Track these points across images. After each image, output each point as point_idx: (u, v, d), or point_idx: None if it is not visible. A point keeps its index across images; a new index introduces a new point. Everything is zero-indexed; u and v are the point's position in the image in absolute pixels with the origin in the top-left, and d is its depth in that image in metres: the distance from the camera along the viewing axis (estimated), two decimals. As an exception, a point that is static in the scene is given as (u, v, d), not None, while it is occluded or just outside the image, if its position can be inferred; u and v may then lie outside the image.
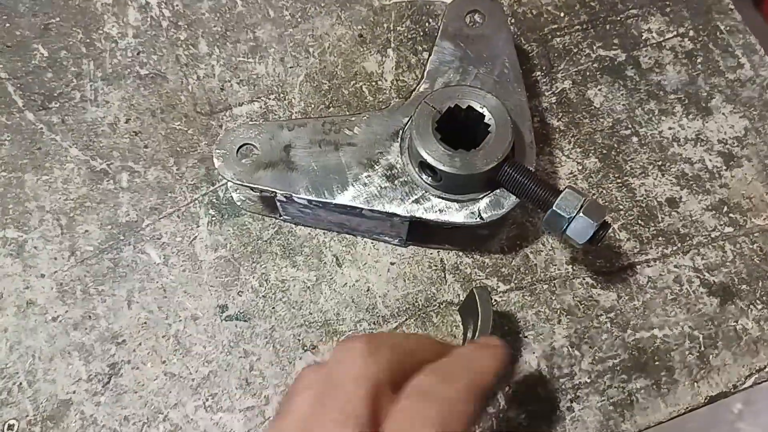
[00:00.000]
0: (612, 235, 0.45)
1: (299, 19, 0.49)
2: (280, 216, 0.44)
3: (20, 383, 0.39)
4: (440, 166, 0.38)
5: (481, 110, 0.39)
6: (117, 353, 0.40)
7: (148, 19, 0.48)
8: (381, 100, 0.47)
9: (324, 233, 0.44)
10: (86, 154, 0.45)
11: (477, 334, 0.37)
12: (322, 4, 0.50)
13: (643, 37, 0.51)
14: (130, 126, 0.45)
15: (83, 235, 0.43)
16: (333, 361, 0.29)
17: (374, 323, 0.42)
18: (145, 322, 0.41)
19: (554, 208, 0.38)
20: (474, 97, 0.39)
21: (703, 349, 0.42)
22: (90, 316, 0.41)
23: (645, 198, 0.46)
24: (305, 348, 0.41)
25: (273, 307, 0.42)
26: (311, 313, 0.42)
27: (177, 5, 0.49)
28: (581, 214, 0.37)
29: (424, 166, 0.39)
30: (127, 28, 0.48)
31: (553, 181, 0.46)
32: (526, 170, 0.39)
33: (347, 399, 0.27)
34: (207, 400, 0.40)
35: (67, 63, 0.47)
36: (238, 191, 0.44)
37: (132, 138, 0.45)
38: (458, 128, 0.39)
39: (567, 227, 0.38)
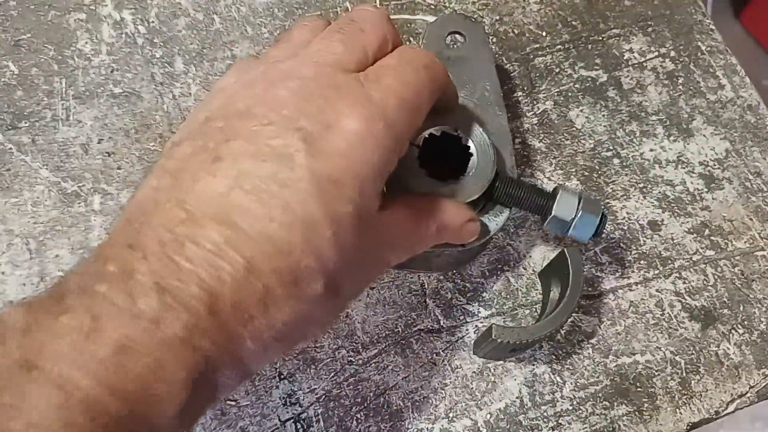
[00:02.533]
0: (594, 258, 0.44)
1: (278, 37, 0.48)
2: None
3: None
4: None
5: (456, 133, 0.38)
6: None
7: (123, 35, 0.47)
8: (361, 120, 0.47)
9: (302, 257, 0.43)
10: (57, 176, 0.43)
11: (566, 297, 0.38)
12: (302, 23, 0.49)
13: (625, 57, 0.50)
14: (102, 146, 0.44)
15: (53, 259, 0.41)
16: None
17: (353, 350, 0.41)
18: (117, 351, 0.40)
19: (554, 213, 0.38)
20: (448, 120, 0.38)
21: (684, 374, 0.42)
22: (59, 345, 0.40)
23: (627, 221, 0.46)
24: (282, 377, 0.40)
25: (249, 334, 0.41)
26: (289, 340, 0.41)
27: (153, 22, 0.48)
28: (580, 214, 0.38)
29: None
30: (101, 45, 0.47)
31: (535, 203, 0.45)
32: (518, 182, 0.39)
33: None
34: None
35: (38, 81, 0.45)
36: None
37: (105, 159, 0.44)
38: (441, 154, 0.38)
39: (569, 229, 0.39)
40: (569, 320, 0.43)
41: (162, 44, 0.47)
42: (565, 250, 0.39)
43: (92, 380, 0.22)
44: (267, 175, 0.26)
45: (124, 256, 0.25)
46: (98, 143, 0.44)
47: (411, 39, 0.49)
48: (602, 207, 0.39)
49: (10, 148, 0.44)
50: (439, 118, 0.37)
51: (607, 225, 0.45)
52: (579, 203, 0.38)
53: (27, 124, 0.44)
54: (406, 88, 0.31)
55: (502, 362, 0.41)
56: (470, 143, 0.38)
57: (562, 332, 0.42)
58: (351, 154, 0.28)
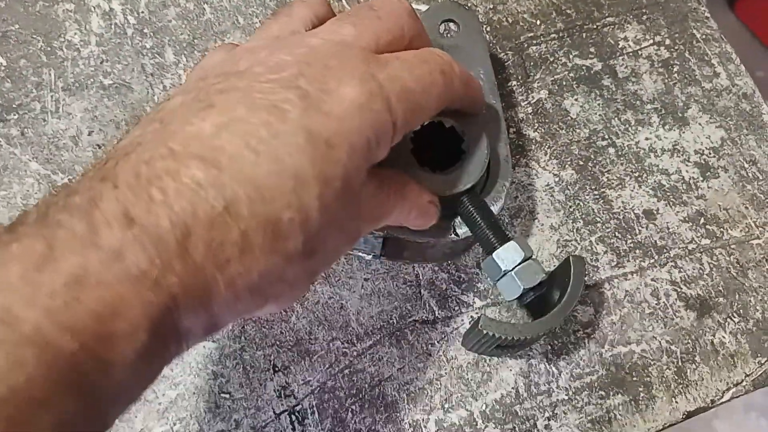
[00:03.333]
0: (590, 248, 0.44)
1: (275, 11, 0.48)
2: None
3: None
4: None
5: (461, 135, 0.38)
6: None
7: (112, 26, 0.47)
8: (354, 110, 0.46)
9: (296, 249, 0.43)
10: (47, 169, 0.43)
11: (562, 303, 0.37)
12: (294, 12, 0.48)
13: (620, 46, 0.50)
14: (93, 138, 0.44)
15: (44, 253, 0.41)
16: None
17: (348, 342, 0.41)
18: (110, 344, 0.40)
19: (493, 255, 0.37)
20: (462, 120, 0.38)
21: (680, 363, 0.42)
22: (51, 339, 0.39)
23: (622, 210, 0.45)
24: (276, 369, 0.40)
25: (242, 327, 0.41)
26: (282, 333, 0.41)
27: (143, 12, 0.47)
28: (513, 272, 0.37)
29: None
30: (90, 36, 0.46)
31: (530, 193, 0.45)
32: (485, 208, 0.38)
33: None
34: (175, 424, 0.38)
35: (27, 72, 0.45)
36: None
37: (95, 151, 0.43)
38: (436, 145, 0.38)
39: (498, 279, 0.38)
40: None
41: (152, 34, 0.47)
42: (570, 257, 0.38)
43: (40, 313, 0.20)
44: (259, 123, 0.26)
45: (94, 187, 0.24)
46: (88, 135, 0.44)
47: (404, 28, 0.49)
48: (543, 278, 0.37)
49: (-1, 141, 0.43)
50: (461, 120, 0.37)
51: (602, 214, 0.45)
52: (520, 262, 0.37)
53: (16, 117, 0.44)
54: (414, 81, 0.30)
55: (497, 353, 0.41)
56: (466, 138, 0.38)
57: (558, 322, 0.42)
58: (346, 120, 0.27)
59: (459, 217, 0.39)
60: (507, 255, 0.37)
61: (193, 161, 0.24)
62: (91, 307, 0.21)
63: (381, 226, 0.35)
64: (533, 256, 0.38)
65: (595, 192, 0.46)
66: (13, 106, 0.44)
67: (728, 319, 0.43)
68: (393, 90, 0.29)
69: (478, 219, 0.38)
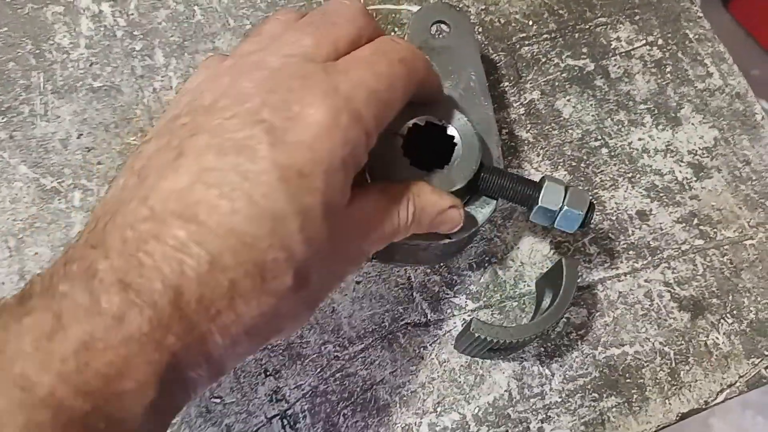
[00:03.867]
0: (583, 249, 0.44)
1: (248, 32, 0.47)
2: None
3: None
4: None
5: (440, 123, 0.37)
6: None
7: (102, 28, 0.46)
8: (346, 112, 0.46)
9: (287, 252, 0.42)
10: (36, 172, 0.42)
11: (554, 306, 0.37)
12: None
13: (612, 46, 0.50)
14: (82, 141, 0.43)
15: (33, 257, 0.41)
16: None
17: (339, 345, 0.41)
18: (99, 349, 0.39)
19: (540, 204, 0.38)
20: (438, 112, 0.38)
21: (674, 365, 0.42)
22: (40, 344, 0.39)
23: (615, 211, 0.45)
24: (267, 373, 0.40)
25: (234, 331, 0.40)
26: (274, 336, 0.40)
27: (132, 14, 0.47)
28: (566, 205, 0.37)
29: None
30: (80, 39, 0.46)
31: (523, 194, 0.45)
32: (504, 172, 0.38)
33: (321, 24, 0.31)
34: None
35: (15, 75, 0.44)
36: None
37: (84, 154, 0.43)
38: (425, 145, 0.37)
39: (555, 220, 0.38)
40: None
41: (142, 37, 0.46)
42: (563, 260, 0.38)
43: (54, 378, 0.22)
44: (229, 168, 0.26)
45: (87, 255, 0.25)
46: (77, 138, 0.43)
47: (396, 29, 0.48)
48: (589, 197, 0.38)
49: (-12, 145, 0.43)
50: (423, 110, 0.37)
51: (595, 215, 0.45)
52: (565, 194, 0.38)
53: (4, 120, 0.43)
54: (377, 80, 0.30)
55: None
56: (455, 133, 0.37)
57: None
58: (315, 145, 0.27)
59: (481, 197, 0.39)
60: (551, 195, 0.38)
61: (173, 219, 0.25)
62: (101, 370, 0.23)
63: (401, 239, 0.34)
64: (570, 184, 0.38)
65: (589, 193, 0.45)
66: (2, 109, 0.44)
67: (722, 320, 0.43)
68: (359, 98, 0.29)
69: (505, 182, 0.38)
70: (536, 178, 0.45)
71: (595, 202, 0.44)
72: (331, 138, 0.27)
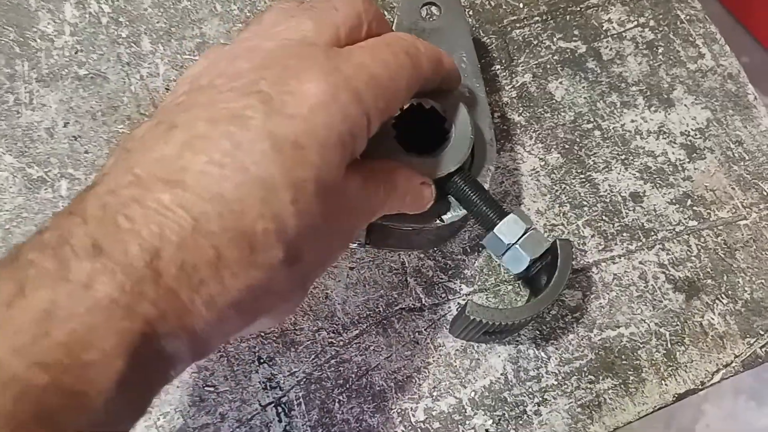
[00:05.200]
0: (577, 232, 0.44)
1: (248, 14, 0.47)
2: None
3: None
4: None
5: (443, 114, 0.37)
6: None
7: (87, 15, 0.45)
8: (336, 97, 0.45)
9: (279, 239, 0.42)
10: (21, 162, 0.42)
11: (549, 287, 0.37)
12: (272, -2, 0.48)
13: (604, 28, 0.50)
14: (68, 130, 0.43)
15: (21, 248, 0.40)
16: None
17: (333, 331, 0.40)
18: (90, 339, 0.39)
19: (495, 231, 0.37)
20: (441, 99, 0.37)
21: (669, 346, 0.42)
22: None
23: (609, 193, 0.45)
24: (261, 361, 0.39)
25: (227, 319, 0.40)
26: (267, 324, 0.40)
27: (117, 0, 0.46)
28: (518, 244, 0.37)
29: None
30: (64, 26, 0.45)
31: (516, 177, 0.45)
32: (478, 186, 0.37)
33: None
34: (158, 419, 0.38)
35: (-1, 64, 0.44)
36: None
37: (71, 143, 0.42)
38: (418, 128, 0.37)
39: (504, 254, 0.38)
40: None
41: (128, 23, 0.46)
42: (557, 241, 0.38)
43: (8, 351, 0.20)
44: (220, 136, 0.25)
45: (63, 224, 0.24)
46: (64, 127, 0.43)
47: (385, 12, 0.48)
48: (545, 248, 0.37)
49: (-28, 134, 0.42)
50: (441, 99, 0.37)
51: (589, 197, 0.44)
52: (524, 233, 0.37)
53: (-11, 109, 0.43)
54: (380, 67, 0.29)
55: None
56: (447, 116, 0.37)
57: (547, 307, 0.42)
58: (313, 118, 0.26)
59: (449, 200, 0.38)
60: (509, 229, 0.37)
61: (158, 184, 0.24)
62: (61, 339, 0.21)
63: (378, 217, 0.34)
64: (534, 227, 0.37)
65: (582, 175, 0.45)
66: (-14, 98, 0.43)
67: (717, 301, 0.43)
68: (360, 80, 0.28)
69: (473, 197, 0.37)
70: (529, 162, 0.45)
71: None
72: (328, 113, 0.27)
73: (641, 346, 0.42)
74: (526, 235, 0.37)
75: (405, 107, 0.36)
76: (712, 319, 0.43)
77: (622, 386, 0.41)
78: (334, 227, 0.29)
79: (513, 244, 0.37)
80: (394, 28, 0.42)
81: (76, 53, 0.45)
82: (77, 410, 0.21)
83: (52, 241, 0.23)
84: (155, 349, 0.23)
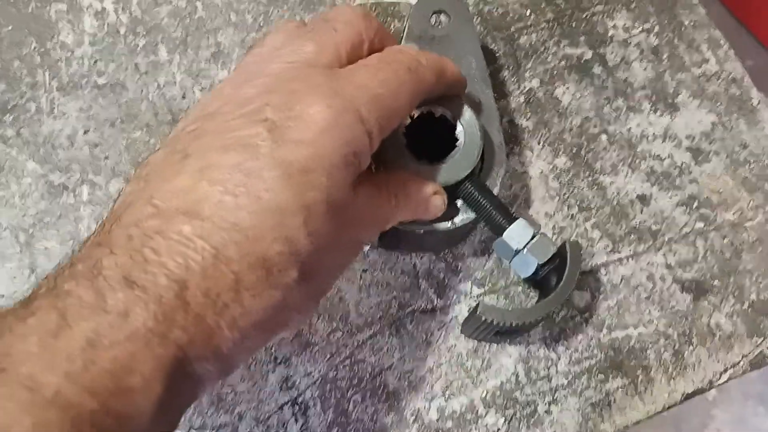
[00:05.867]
0: (585, 234, 0.45)
1: (262, 23, 0.48)
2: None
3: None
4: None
5: (453, 122, 0.38)
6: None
7: (105, 26, 0.47)
8: (348, 104, 0.46)
9: (294, 242, 0.43)
10: (44, 168, 0.43)
11: (559, 288, 0.37)
12: (285, 8, 0.49)
13: (609, 34, 0.51)
14: (89, 138, 0.44)
15: (43, 252, 0.41)
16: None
17: (348, 332, 0.41)
18: (111, 341, 0.40)
19: (504, 237, 0.38)
20: (450, 106, 0.38)
21: (677, 346, 0.42)
22: (52, 337, 0.39)
23: (616, 196, 0.46)
24: (278, 361, 0.40)
25: (243, 320, 0.41)
26: (283, 325, 0.41)
27: (135, 11, 0.47)
28: (527, 249, 0.38)
29: None
30: (83, 36, 0.46)
31: (524, 181, 0.46)
32: (487, 191, 0.38)
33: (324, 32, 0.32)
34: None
35: (21, 74, 0.45)
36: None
37: (91, 150, 0.44)
38: (428, 135, 0.38)
39: (512, 258, 0.38)
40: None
41: (145, 33, 0.47)
42: (566, 242, 0.39)
43: (61, 377, 0.22)
44: (232, 165, 0.27)
45: (92, 254, 0.25)
46: (84, 134, 0.44)
47: (396, 21, 0.49)
48: (553, 253, 0.38)
49: (-5, 142, 0.43)
50: (450, 106, 0.38)
51: (596, 199, 0.45)
52: (532, 238, 0.38)
53: (11, 117, 0.44)
54: (381, 86, 0.30)
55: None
56: (458, 124, 0.38)
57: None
58: (318, 142, 0.28)
59: (459, 204, 0.39)
60: (517, 234, 0.38)
61: (178, 216, 0.26)
62: (106, 366, 0.23)
63: (390, 226, 0.35)
64: (542, 231, 0.38)
65: (589, 178, 0.46)
66: (9, 107, 0.44)
67: (724, 301, 0.44)
68: (362, 100, 0.29)
69: (483, 202, 0.38)
70: (538, 166, 0.46)
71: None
72: (333, 135, 0.28)
73: (650, 346, 0.42)
74: (534, 240, 0.38)
75: (415, 116, 0.38)
76: (720, 319, 0.43)
77: (632, 386, 0.41)
78: (344, 240, 0.30)
79: (521, 249, 0.38)
80: (404, 36, 0.43)
81: (95, 63, 0.46)
82: (123, 431, 0.23)
83: (86, 272, 0.25)
84: (187, 371, 0.25)
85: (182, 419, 0.37)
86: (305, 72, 0.30)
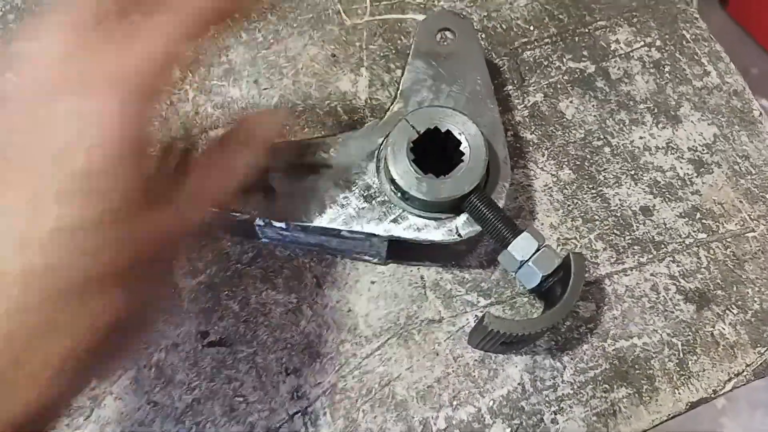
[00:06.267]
0: (589, 245, 0.45)
1: (272, 41, 0.49)
2: (260, 239, 0.44)
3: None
4: (408, 189, 0.38)
5: (458, 137, 0.39)
6: (98, 384, 0.40)
7: None
8: (356, 118, 0.48)
9: (304, 254, 0.44)
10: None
11: (564, 299, 0.38)
12: (294, 25, 0.50)
13: (612, 48, 0.51)
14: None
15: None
16: None
17: (356, 343, 0.42)
18: (126, 352, 0.41)
19: (509, 249, 0.39)
20: (454, 121, 0.39)
21: (682, 355, 0.43)
22: (69, 349, 0.40)
23: (619, 207, 0.47)
24: (288, 372, 0.41)
25: (254, 332, 0.42)
26: (293, 336, 0.42)
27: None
28: (530, 261, 0.39)
29: (396, 186, 0.39)
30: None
31: (529, 193, 0.46)
32: (493, 204, 0.39)
33: None
34: (191, 429, 0.39)
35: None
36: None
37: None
38: (433, 150, 0.39)
39: (517, 270, 0.39)
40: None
41: (158, 52, 0.48)
42: (571, 254, 0.39)
43: None
44: None
45: None
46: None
47: (403, 38, 0.50)
48: (557, 264, 0.39)
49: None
50: (441, 117, 0.39)
51: (600, 211, 0.46)
52: (536, 251, 0.39)
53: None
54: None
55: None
56: (466, 150, 0.39)
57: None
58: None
59: (462, 218, 0.40)
60: (522, 246, 0.39)
61: None
62: None
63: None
64: (546, 243, 0.39)
65: (593, 191, 0.47)
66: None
67: (727, 311, 0.44)
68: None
69: (489, 215, 0.39)
70: (542, 178, 0.46)
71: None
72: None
73: (654, 355, 0.43)
74: (538, 252, 0.39)
75: (422, 132, 0.39)
76: (723, 329, 0.44)
77: (636, 395, 0.42)
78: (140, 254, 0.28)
79: (526, 261, 0.39)
80: (411, 53, 0.44)
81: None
82: None
83: None
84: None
85: (194, 429, 0.38)
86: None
